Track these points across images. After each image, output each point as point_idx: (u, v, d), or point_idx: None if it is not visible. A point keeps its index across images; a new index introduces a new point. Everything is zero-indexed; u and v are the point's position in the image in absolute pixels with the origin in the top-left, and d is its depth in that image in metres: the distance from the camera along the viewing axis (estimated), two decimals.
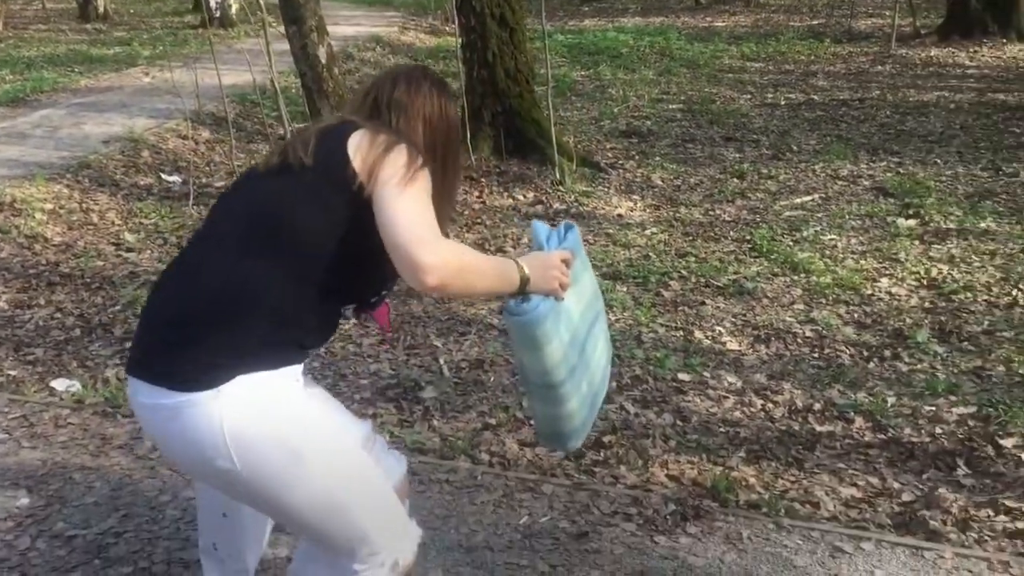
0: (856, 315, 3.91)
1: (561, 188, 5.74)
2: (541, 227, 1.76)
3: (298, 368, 1.62)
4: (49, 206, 5.25)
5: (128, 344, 3.68)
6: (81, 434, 2.96)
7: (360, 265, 1.56)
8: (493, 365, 3.48)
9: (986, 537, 2.38)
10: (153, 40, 12.37)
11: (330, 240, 1.52)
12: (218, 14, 13.40)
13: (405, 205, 1.47)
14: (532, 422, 1.93)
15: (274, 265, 1.51)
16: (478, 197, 5.67)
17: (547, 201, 5.57)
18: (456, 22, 6.36)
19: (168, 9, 17.54)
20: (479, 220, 5.25)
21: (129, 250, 4.76)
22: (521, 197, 5.66)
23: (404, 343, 3.69)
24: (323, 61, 4.93)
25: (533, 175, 6.00)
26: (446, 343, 3.68)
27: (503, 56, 6.23)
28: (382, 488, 1.67)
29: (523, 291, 1.59)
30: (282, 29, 5.12)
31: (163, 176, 6.03)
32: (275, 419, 1.52)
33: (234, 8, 13.51)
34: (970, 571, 2.20)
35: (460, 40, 6.40)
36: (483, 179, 5.95)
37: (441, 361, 3.51)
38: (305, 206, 1.52)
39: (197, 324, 1.50)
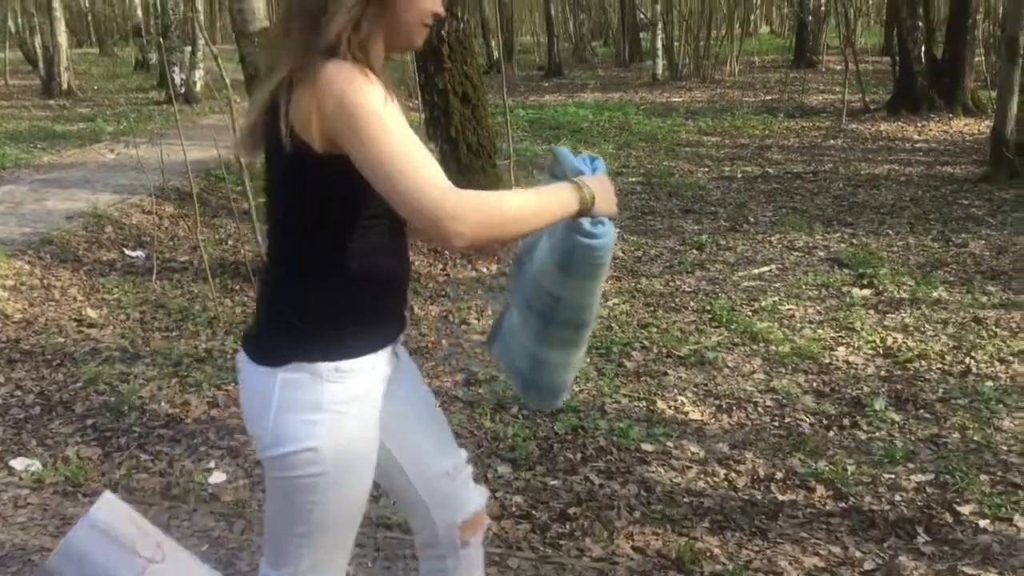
0: (815, 384, 3.98)
1: None
2: (567, 152, 1.66)
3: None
4: (10, 282, 5.22)
5: (89, 421, 3.65)
6: (41, 514, 2.92)
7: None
8: (458, 437, 3.48)
9: None
10: (117, 116, 12.45)
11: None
12: (183, 90, 13.54)
13: (382, 152, 1.37)
14: (520, 384, 1.84)
15: None
16: (442, 270, 5.72)
17: (510, 272, 5.63)
18: (420, 98, 6.49)
19: (133, 85, 17.69)
20: (443, 292, 5.30)
21: (91, 326, 4.74)
22: (484, 269, 5.73)
23: None
24: None
25: (496, 247, 6.08)
26: None
27: (466, 131, 6.36)
28: (345, 551, 1.68)
29: (585, 213, 1.50)
30: (247, 104, 5.19)
31: (126, 251, 6.03)
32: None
33: (199, 84, 13.65)
34: None
35: (423, 116, 6.53)
36: (445, 252, 6.01)
37: None
38: None
39: None
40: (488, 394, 3.86)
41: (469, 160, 6.37)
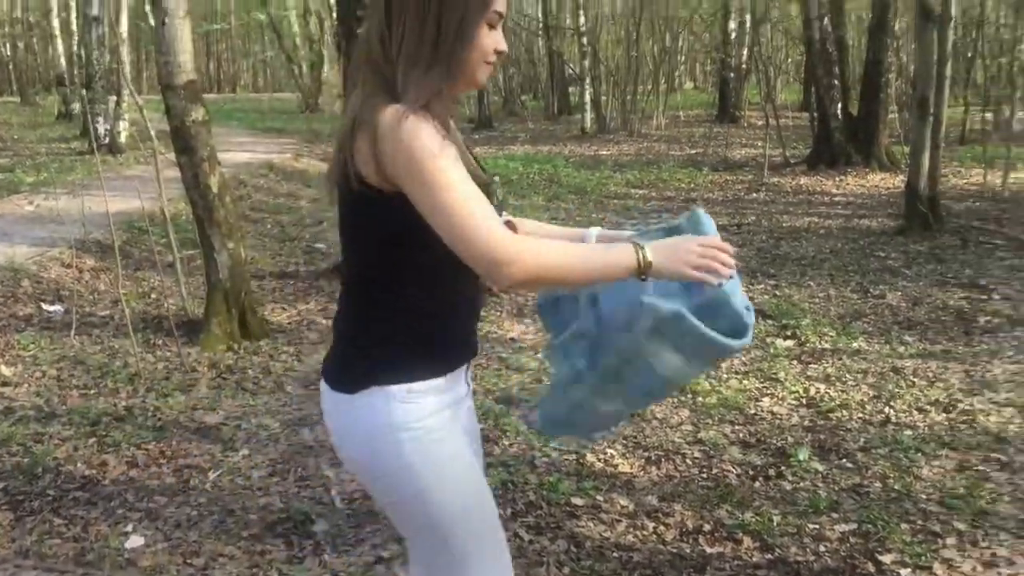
0: (741, 434, 4.03)
1: None
2: (707, 218, 1.73)
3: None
4: None
5: (0, 484, 3.50)
6: None
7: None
8: None
9: None
10: (37, 166, 12.14)
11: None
12: (107, 140, 13.30)
13: (442, 200, 1.45)
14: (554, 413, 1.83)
15: None
16: None
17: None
18: None
19: (54, 135, 17.31)
20: None
21: (5, 384, 4.57)
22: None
23: (295, 474, 3.61)
24: (215, 191, 4.95)
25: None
26: (339, 473, 3.62)
27: None
28: (499, 548, 1.73)
29: (644, 275, 1.52)
30: (172, 155, 5.13)
31: (44, 306, 5.85)
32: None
33: (123, 135, 13.43)
34: None
35: None
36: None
37: (333, 492, 3.45)
38: None
39: None
40: None
41: None
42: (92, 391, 4.52)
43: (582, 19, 19.58)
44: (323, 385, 1.69)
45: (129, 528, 3.17)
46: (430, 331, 1.64)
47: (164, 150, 6.49)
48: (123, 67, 12.97)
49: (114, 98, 13.90)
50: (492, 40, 1.59)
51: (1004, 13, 17.30)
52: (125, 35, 14.02)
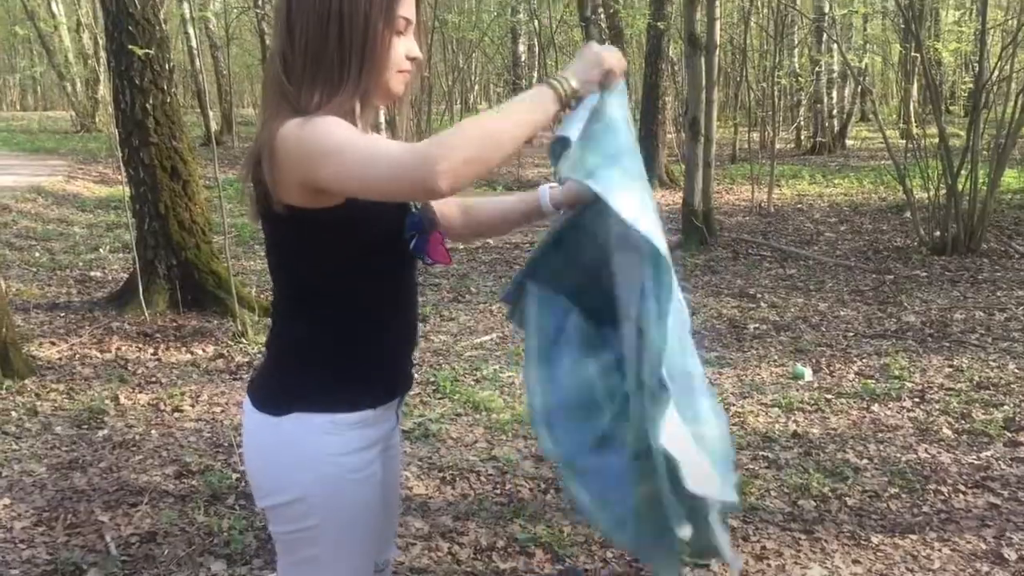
0: (533, 448, 4.10)
1: (243, 340, 5.60)
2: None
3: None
4: None
5: None
6: None
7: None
8: (167, 536, 3.25)
9: None
10: None
11: None
12: None
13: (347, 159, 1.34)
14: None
15: None
16: (153, 354, 5.38)
17: (229, 354, 5.40)
18: (124, 174, 6.14)
19: None
20: (154, 379, 4.97)
21: None
22: (200, 351, 5.45)
23: (64, 522, 3.35)
24: None
25: (213, 328, 5.82)
26: (113, 517, 3.39)
27: (176, 208, 6.08)
28: None
29: (567, 102, 1.42)
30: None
31: None
32: None
33: None
34: None
35: (129, 192, 6.18)
36: (159, 335, 5.67)
37: (107, 538, 3.22)
38: None
39: None
40: (202, 485, 3.64)
41: (181, 237, 6.09)
42: None
43: None
44: (247, 403, 1.61)
45: None
46: (361, 360, 1.57)
47: None
48: None
49: None
50: (404, 47, 1.51)
51: (765, 41, 18.78)
52: None
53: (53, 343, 5.51)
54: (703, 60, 8.40)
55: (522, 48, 21.54)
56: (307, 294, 1.56)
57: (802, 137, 19.80)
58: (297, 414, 1.54)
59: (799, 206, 11.26)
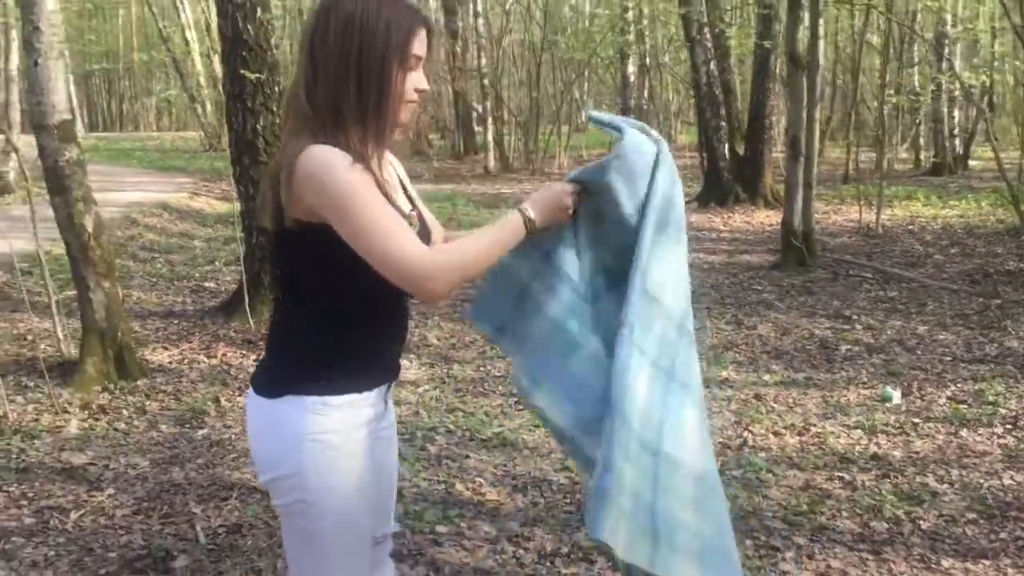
0: None
1: None
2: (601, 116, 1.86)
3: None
4: None
5: None
6: None
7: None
8: (252, 528, 3.46)
9: None
10: None
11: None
12: None
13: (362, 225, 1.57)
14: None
15: None
16: (254, 360, 5.68)
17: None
18: (235, 190, 6.51)
19: None
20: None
21: None
22: None
23: (160, 512, 3.61)
24: (89, 230, 4.92)
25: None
26: (205, 509, 3.63)
27: None
28: None
29: (532, 231, 1.71)
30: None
31: None
32: None
33: (12, 175, 13.10)
34: None
35: (240, 208, 6.54)
36: (261, 342, 5.97)
37: (198, 528, 3.46)
38: None
39: None
40: None
41: None
42: None
43: (484, 60, 19.95)
44: (250, 390, 1.81)
45: None
46: (351, 348, 1.74)
47: (40, 190, 6.41)
48: (11, 106, 12.67)
49: (2, 137, 13.53)
50: (412, 81, 1.70)
51: (878, 60, 18.29)
52: (15, 74, 13.70)
53: (166, 348, 5.88)
54: (804, 79, 8.31)
55: (631, 69, 21.58)
56: (307, 292, 1.73)
57: (921, 157, 19.14)
58: (289, 396, 1.71)
59: (910, 227, 10.94)
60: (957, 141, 18.19)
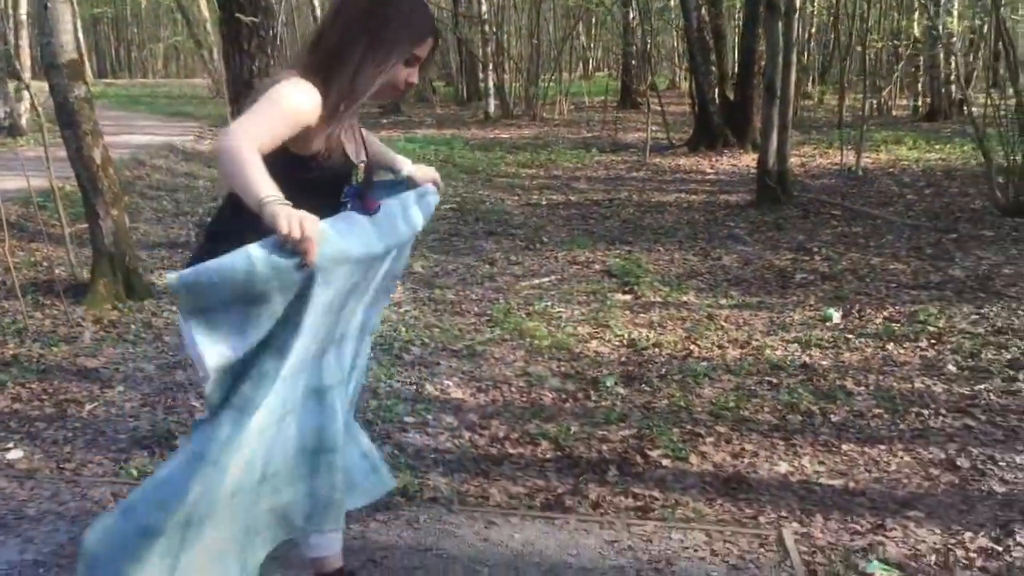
0: (564, 368, 4.65)
1: None
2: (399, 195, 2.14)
3: None
4: None
5: None
6: None
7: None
8: None
9: (608, 511, 3.08)
10: None
11: None
12: (7, 123, 13.40)
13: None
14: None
15: None
16: None
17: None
18: None
19: None
20: None
21: None
22: None
23: (164, 405, 4.11)
24: (98, 162, 5.37)
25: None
26: (204, 403, 4.12)
27: None
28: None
29: (260, 211, 1.67)
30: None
31: None
32: None
33: (24, 117, 13.53)
34: (586, 530, 2.88)
35: None
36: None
37: (196, 416, 3.96)
38: None
39: None
40: None
41: None
42: None
43: (484, 7, 20.14)
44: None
45: (10, 445, 3.64)
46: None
47: (55, 128, 6.84)
48: (20, 50, 13.07)
49: (15, 82, 13.95)
50: (405, 74, 1.92)
51: (875, 4, 18.41)
52: (24, 18, 14.09)
53: None
54: (780, 24, 8.63)
55: (633, 14, 21.70)
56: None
57: (919, 104, 19.34)
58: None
59: (891, 170, 11.29)
60: (953, 88, 18.36)
